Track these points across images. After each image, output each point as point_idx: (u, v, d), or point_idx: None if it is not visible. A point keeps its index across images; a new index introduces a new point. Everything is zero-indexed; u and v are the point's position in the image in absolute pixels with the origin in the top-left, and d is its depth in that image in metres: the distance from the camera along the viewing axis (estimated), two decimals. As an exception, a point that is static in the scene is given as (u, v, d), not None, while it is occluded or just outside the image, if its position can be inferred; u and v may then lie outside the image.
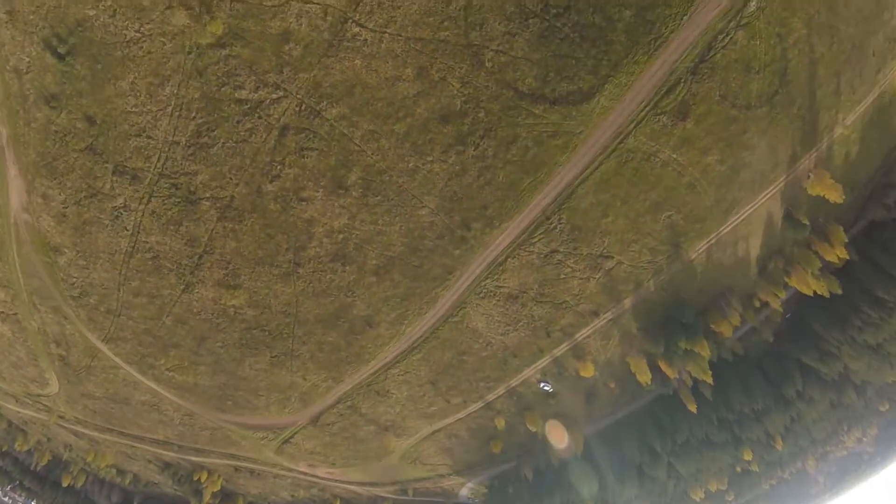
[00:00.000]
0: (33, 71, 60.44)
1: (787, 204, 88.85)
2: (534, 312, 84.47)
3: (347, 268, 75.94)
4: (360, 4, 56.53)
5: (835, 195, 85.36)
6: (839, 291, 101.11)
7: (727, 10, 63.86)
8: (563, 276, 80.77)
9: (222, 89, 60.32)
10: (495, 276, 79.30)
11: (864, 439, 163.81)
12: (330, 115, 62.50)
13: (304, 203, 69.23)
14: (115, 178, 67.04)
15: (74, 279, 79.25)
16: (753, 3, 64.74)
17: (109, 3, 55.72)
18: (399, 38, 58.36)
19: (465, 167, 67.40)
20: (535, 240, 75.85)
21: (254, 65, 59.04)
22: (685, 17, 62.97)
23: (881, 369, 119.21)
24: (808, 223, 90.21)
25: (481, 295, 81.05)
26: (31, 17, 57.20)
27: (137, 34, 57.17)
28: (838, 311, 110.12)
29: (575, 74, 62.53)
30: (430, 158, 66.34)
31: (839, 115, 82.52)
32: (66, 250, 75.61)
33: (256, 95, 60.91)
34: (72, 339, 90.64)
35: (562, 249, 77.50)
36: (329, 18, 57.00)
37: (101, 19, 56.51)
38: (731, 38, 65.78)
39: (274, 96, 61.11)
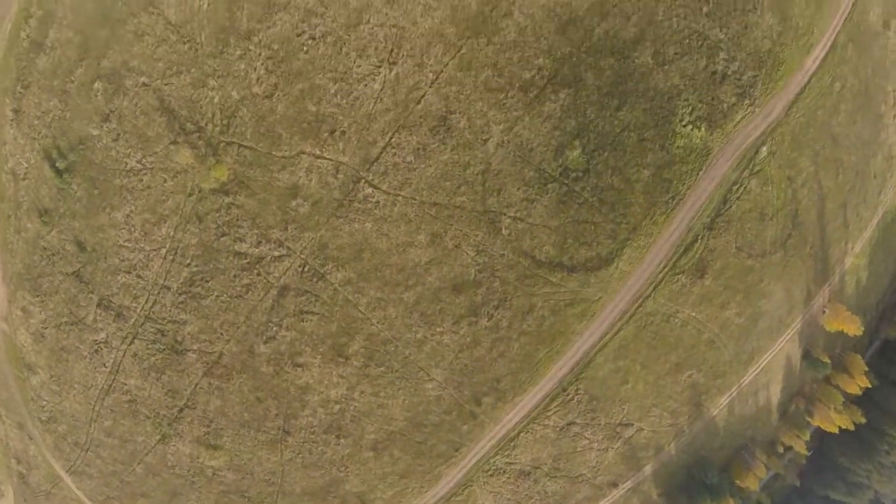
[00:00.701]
0: (30, 179, 59.91)
1: (805, 343, 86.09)
2: (547, 488, 77.17)
3: (342, 441, 69.75)
4: (375, 164, 54.66)
5: (853, 328, 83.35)
6: (863, 421, 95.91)
7: (740, 159, 63.69)
8: (579, 449, 74.60)
9: (221, 239, 58.12)
10: (506, 452, 72.48)
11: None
12: (335, 279, 59.62)
13: (299, 369, 64.66)
14: (98, 311, 64.38)
15: (45, 402, 73.77)
16: (765, 148, 65.18)
17: (114, 125, 54.76)
18: (413, 201, 56.30)
19: (477, 339, 63.33)
20: (551, 412, 70.23)
21: (257, 217, 56.95)
22: (701, 172, 62.14)
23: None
24: (828, 360, 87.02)
25: (490, 472, 73.76)
26: (36, 122, 57.13)
27: (138, 165, 55.84)
28: (863, 439, 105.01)
29: (594, 240, 60.29)
30: (439, 329, 62.48)
31: (848, 245, 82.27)
32: (41, 371, 71.03)
33: (257, 251, 58.51)
34: (34, 460, 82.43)
35: (579, 421, 71.97)
36: (341, 176, 55.13)
37: (104, 141, 55.66)
38: (744, 187, 65.48)
39: (276, 253, 58.63)
